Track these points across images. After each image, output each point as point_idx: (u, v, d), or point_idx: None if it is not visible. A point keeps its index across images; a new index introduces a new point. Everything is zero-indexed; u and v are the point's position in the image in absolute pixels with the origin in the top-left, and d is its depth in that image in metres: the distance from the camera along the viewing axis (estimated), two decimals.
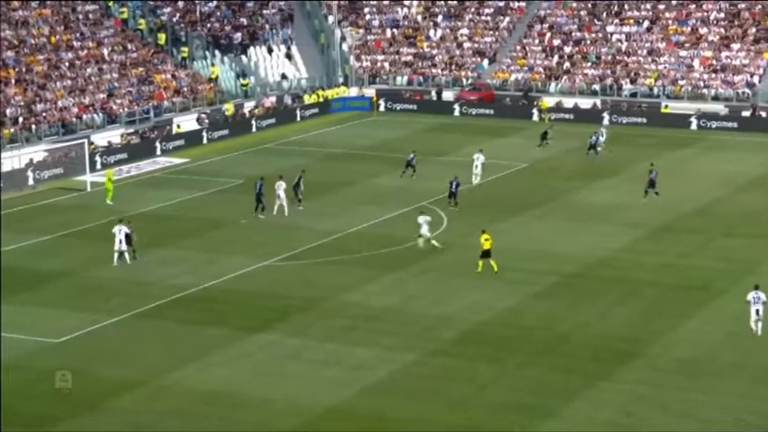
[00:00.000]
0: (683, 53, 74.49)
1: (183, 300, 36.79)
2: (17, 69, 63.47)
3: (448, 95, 75.48)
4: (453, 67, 78.53)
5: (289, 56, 79.63)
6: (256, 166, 57.70)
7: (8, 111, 59.27)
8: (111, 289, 37.86)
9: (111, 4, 74.73)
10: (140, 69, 69.27)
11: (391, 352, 31.95)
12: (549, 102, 71.93)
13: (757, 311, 32.48)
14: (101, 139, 61.33)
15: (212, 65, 74.20)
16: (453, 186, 47.64)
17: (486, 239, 38.52)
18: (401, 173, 53.48)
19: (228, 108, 65.55)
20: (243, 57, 77.33)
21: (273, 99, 73.68)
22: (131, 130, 63.48)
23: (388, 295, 37.12)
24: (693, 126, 65.70)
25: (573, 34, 78.62)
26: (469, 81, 76.63)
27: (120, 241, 39.89)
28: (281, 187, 46.40)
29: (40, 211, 49.24)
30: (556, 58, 77.01)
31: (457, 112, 72.05)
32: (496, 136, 64.74)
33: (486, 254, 38.52)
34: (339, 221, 45.97)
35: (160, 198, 51.02)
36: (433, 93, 75.79)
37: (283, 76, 77.42)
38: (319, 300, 36.49)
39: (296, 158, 59.76)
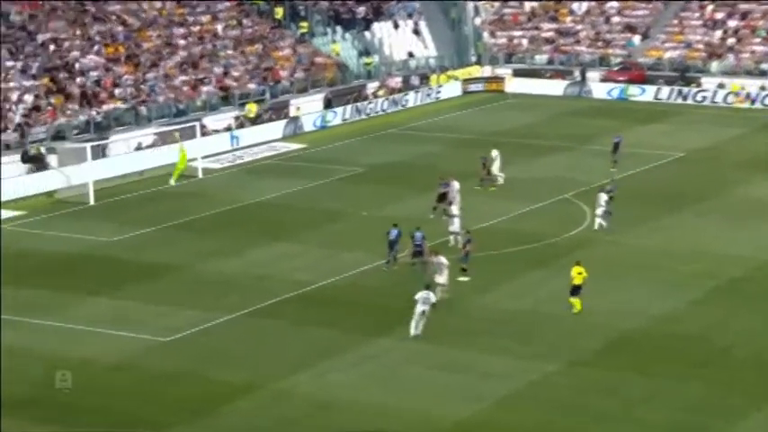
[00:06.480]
0: None
1: (299, 298, 37.15)
2: (127, 46, 65.05)
3: (593, 76, 74.37)
4: (600, 44, 77.36)
5: (416, 32, 79.63)
6: (377, 154, 57.84)
7: (117, 90, 60.77)
8: (225, 284, 38.49)
9: None
10: (256, 46, 70.27)
11: (528, 361, 31.62)
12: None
13: (423, 312, 32.88)
14: (213, 121, 62.31)
15: (333, 41, 74.77)
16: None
17: (579, 273, 34.93)
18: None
19: (251, 109, 64.68)
20: (366, 33, 77.71)
21: (399, 79, 73.78)
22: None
23: (522, 297, 36.79)
24: None
25: (739, 6, 76.52)
26: (618, 60, 75.40)
27: None
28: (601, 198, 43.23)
29: (147, 200, 50.37)
30: (718, 33, 75.10)
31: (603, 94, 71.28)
32: (648, 122, 63.54)
33: (576, 290, 35.03)
34: (469, 216, 45.56)
35: (275, 187, 51.62)
36: (577, 73, 74.80)
37: (410, 55, 77.50)
38: (445, 300, 36.34)
39: (423, 145, 59.70)
